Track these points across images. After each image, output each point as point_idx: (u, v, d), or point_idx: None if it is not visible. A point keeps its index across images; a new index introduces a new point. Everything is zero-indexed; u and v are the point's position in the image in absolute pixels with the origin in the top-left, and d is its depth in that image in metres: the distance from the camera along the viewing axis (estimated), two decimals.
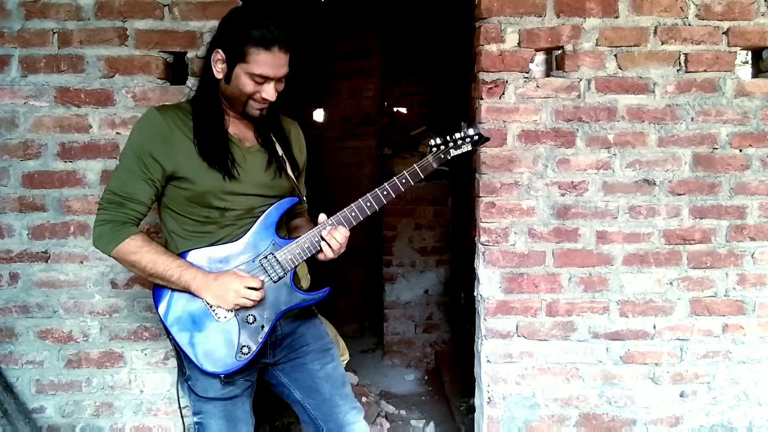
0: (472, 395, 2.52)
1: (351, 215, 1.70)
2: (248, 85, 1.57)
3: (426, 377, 4.14)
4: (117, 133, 2.16)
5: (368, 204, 1.70)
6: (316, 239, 1.68)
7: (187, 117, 1.64)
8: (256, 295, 1.60)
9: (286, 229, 1.84)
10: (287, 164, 1.75)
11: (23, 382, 2.23)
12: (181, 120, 1.63)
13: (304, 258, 1.69)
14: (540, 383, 2.25)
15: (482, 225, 2.22)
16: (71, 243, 2.19)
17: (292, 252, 1.67)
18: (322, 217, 1.70)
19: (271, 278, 1.66)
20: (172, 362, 2.23)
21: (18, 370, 2.23)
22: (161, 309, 1.64)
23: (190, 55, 2.15)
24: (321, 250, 1.69)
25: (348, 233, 1.70)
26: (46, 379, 2.23)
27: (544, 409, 2.26)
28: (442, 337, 4.44)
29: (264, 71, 1.55)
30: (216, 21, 2.12)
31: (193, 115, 1.64)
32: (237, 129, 1.69)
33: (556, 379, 2.26)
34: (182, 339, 1.62)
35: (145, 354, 2.23)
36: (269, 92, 1.59)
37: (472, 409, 2.55)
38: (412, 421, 3.34)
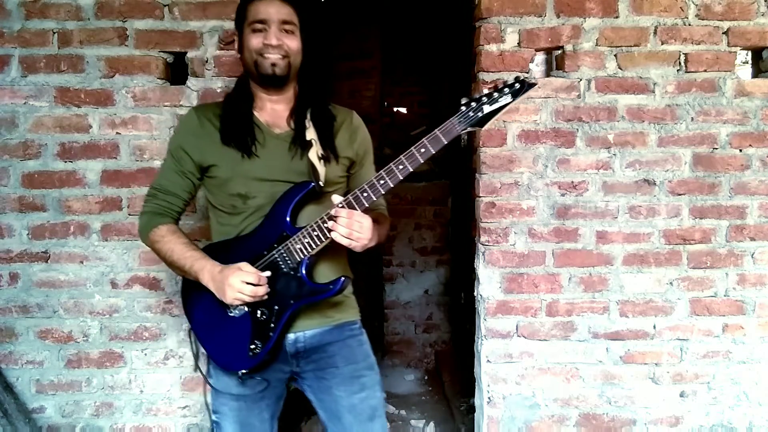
0: (472, 395, 2.52)
1: (362, 195, 1.50)
2: (253, 40, 1.58)
3: (426, 377, 4.13)
4: (117, 133, 2.16)
5: (381, 181, 1.50)
6: (324, 224, 1.51)
7: (220, 109, 1.67)
8: (249, 290, 1.48)
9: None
10: (314, 148, 1.61)
11: (23, 382, 2.23)
12: (214, 114, 1.66)
13: (316, 246, 1.53)
14: (540, 383, 2.25)
15: (482, 225, 2.22)
16: (71, 243, 2.19)
17: (302, 241, 1.53)
18: (335, 198, 1.52)
19: (284, 270, 1.55)
20: (173, 362, 2.23)
21: (18, 370, 2.23)
22: (185, 304, 1.66)
23: (190, 55, 2.15)
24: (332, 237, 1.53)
25: (359, 217, 1.49)
26: (46, 379, 2.23)
27: (544, 409, 2.26)
28: (442, 337, 4.44)
29: (258, 15, 1.56)
30: (216, 21, 2.13)
31: (223, 104, 1.68)
32: (269, 116, 1.66)
33: (556, 379, 2.26)
34: (201, 334, 1.63)
35: (145, 354, 2.23)
36: (269, 37, 1.56)
37: (472, 409, 2.55)
38: (412, 421, 3.34)
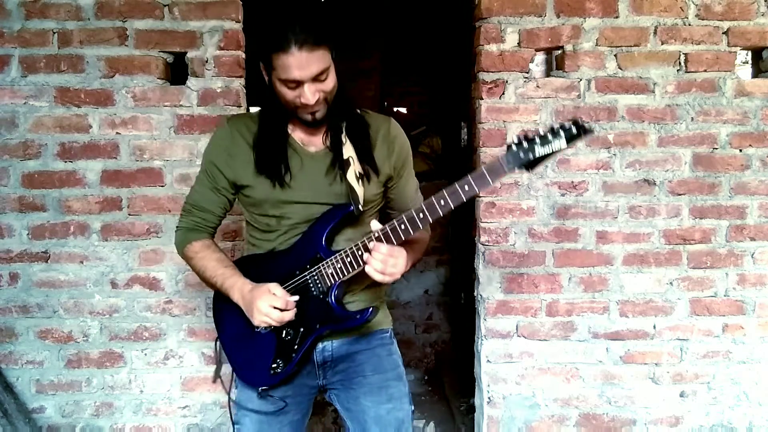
0: (472, 395, 2.52)
1: (400, 228, 1.43)
2: (286, 93, 1.46)
3: (426, 377, 4.13)
4: (117, 133, 2.16)
5: (421, 215, 1.42)
6: (359, 252, 1.46)
7: (255, 124, 1.60)
8: (277, 316, 1.45)
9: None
10: (352, 167, 1.54)
11: (23, 382, 2.23)
12: (247, 128, 1.59)
13: (348, 273, 1.49)
14: (540, 383, 2.25)
15: (482, 225, 2.22)
16: (71, 243, 2.19)
17: (334, 266, 1.49)
18: (374, 225, 1.46)
19: (313, 293, 1.53)
20: (172, 362, 2.23)
21: (18, 370, 2.23)
22: (215, 314, 1.65)
23: (190, 55, 2.15)
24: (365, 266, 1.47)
25: (396, 252, 1.44)
26: (46, 379, 2.23)
27: (544, 409, 2.26)
28: (442, 337, 4.44)
29: (290, 75, 1.42)
30: (216, 21, 2.13)
31: (259, 123, 1.60)
32: (303, 135, 1.59)
33: (556, 379, 2.26)
34: (228, 346, 1.62)
35: (145, 354, 2.23)
36: (306, 96, 1.44)
37: (472, 409, 2.55)
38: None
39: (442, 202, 1.40)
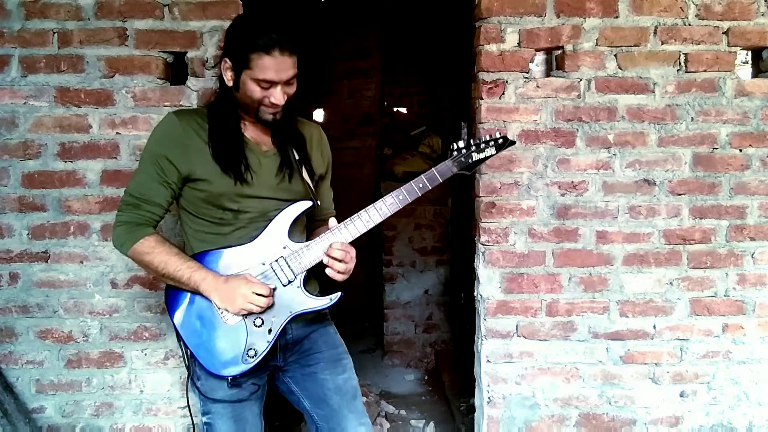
0: (472, 395, 2.52)
1: (363, 220, 1.65)
2: (256, 91, 1.58)
3: (426, 377, 4.13)
4: (117, 133, 2.16)
5: (383, 208, 1.65)
6: (328, 246, 1.65)
7: (205, 121, 1.67)
8: (263, 302, 1.58)
9: (305, 233, 1.83)
10: (303, 168, 1.75)
11: (23, 382, 2.23)
12: (198, 124, 1.65)
13: (315, 263, 1.66)
14: (540, 383, 2.25)
15: (482, 225, 2.22)
16: (71, 243, 2.19)
17: (303, 256, 1.65)
18: (332, 222, 1.68)
19: (281, 282, 1.65)
20: (172, 362, 2.23)
21: (18, 370, 2.23)
22: (171, 310, 1.66)
23: (190, 55, 2.15)
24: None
25: (353, 253, 1.65)
26: (46, 379, 2.23)
27: (544, 409, 2.26)
28: (442, 337, 4.44)
29: (268, 76, 1.55)
30: (216, 21, 2.13)
31: (209, 119, 1.67)
32: (254, 133, 1.71)
33: (556, 379, 2.26)
34: (191, 340, 1.64)
35: (145, 354, 2.23)
36: (277, 96, 1.58)
37: (472, 409, 2.55)
38: (412, 421, 3.34)
39: (401, 197, 1.65)
